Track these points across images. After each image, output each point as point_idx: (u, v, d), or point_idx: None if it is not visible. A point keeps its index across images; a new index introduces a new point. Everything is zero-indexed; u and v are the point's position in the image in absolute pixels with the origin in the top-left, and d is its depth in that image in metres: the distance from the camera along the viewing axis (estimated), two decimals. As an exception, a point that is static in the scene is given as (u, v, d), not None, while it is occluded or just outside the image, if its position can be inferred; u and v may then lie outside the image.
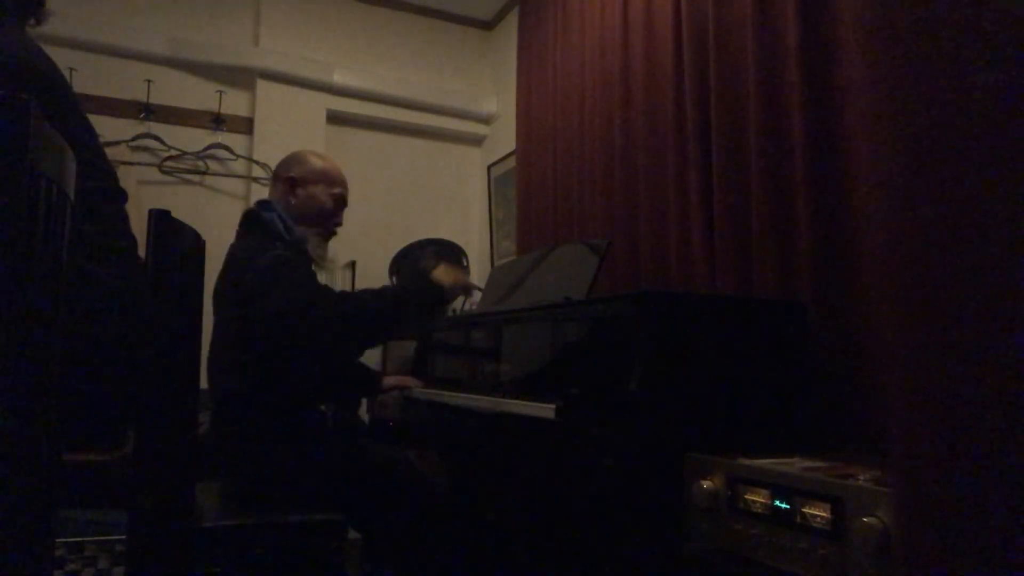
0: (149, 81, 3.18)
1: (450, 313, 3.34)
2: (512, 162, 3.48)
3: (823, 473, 1.08)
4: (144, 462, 1.08)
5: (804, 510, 1.05)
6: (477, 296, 1.81)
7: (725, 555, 1.18)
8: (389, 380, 2.13)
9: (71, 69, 2.91)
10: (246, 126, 3.43)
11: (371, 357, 2.77)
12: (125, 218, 1.38)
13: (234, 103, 3.40)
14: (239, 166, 3.41)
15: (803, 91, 1.69)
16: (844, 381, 1.54)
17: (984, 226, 0.47)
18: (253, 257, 1.77)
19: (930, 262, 0.51)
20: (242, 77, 3.42)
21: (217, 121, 3.34)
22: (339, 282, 3.52)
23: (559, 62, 3.04)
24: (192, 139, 3.29)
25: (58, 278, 0.79)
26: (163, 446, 1.12)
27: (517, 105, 3.40)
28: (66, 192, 0.81)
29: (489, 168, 3.82)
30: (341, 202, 2.02)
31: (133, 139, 3.16)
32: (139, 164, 3.17)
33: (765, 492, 1.12)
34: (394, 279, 3.36)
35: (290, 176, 1.96)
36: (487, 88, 3.97)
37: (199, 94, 3.35)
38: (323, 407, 1.97)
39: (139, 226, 1.23)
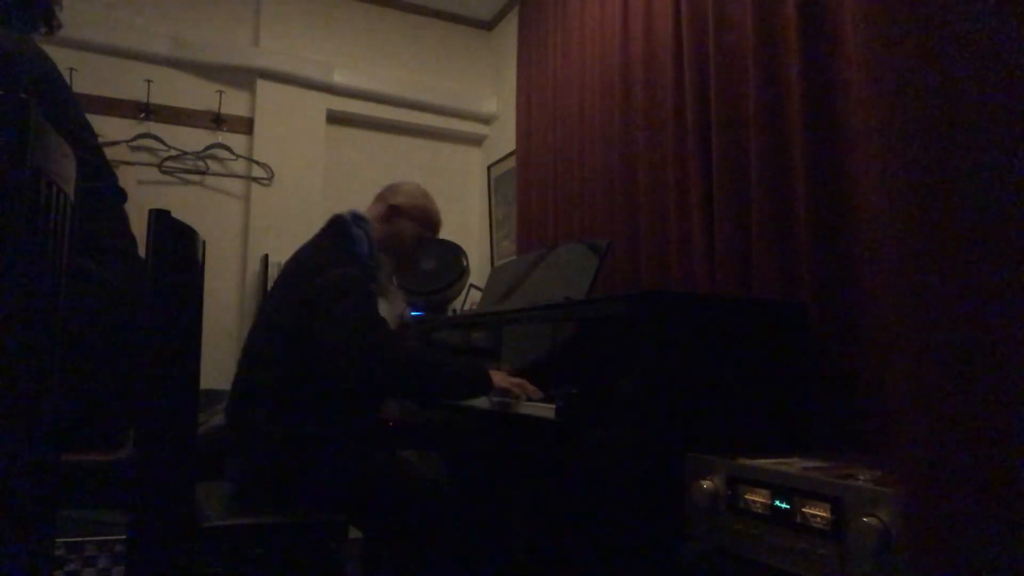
0: (149, 81, 3.18)
1: (450, 313, 3.35)
2: (512, 162, 3.48)
3: (823, 473, 1.08)
4: (144, 462, 1.08)
5: (804, 510, 1.05)
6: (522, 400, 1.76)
7: (725, 555, 1.18)
8: (500, 381, 1.76)
9: (71, 69, 2.91)
10: (246, 126, 3.43)
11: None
12: (125, 218, 1.38)
13: (234, 103, 3.40)
14: (239, 166, 3.41)
15: (803, 91, 1.69)
16: (844, 381, 1.54)
17: (985, 225, 0.47)
18: (325, 264, 1.75)
19: (931, 262, 0.51)
20: (242, 77, 3.42)
21: (217, 121, 3.34)
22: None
23: (559, 62, 3.04)
24: (192, 139, 3.29)
25: (58, 278, 0.79)
26: (163, 446, 1.12)
27: (517, 105, 3.40)
28: (66, 192, 0.81)
29: (489, 168, 3.82)
30: (423, 241, 2.01)
31: (133, 139, 3.16)
32: (139, 164, 3.17)
33: (765, 492, 1.12)
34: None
35: (394, 204, 1.96)
36: (487, 88, 3.97)
37: (199, 94, 3.35)
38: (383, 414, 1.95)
39: (139, 226, 1.23)
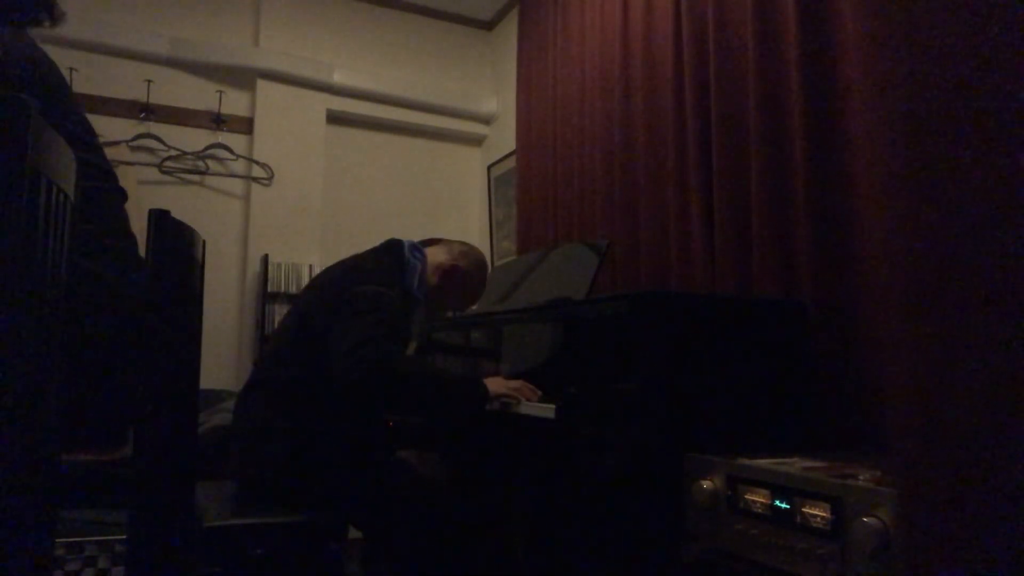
0: (149, 81, 3.18)
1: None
2: (512, 162, 3.48)
3: (823, 473, 1.08)
4: (144, 462, 1.08)
5: (804, 510, 1.05)
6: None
7: (725, 555, 1.18)
8: (498, 387, 1.73)
9: (71, 69, 2.91)
10: (246, 126, 3.43)
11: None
12: (125, 218, 1.38)
13: (234, 103, 3.40)
14: (239, 166, 3.41)
15: (803, 91, 1.69)
16: (844, 381, 1.54)
17: (986, 225, 0.47)
18: (370, 278, 1.75)
19: (931, 262, 0.51)
20: (242, 77, 3.42)
21: (217, 121, 3.34)
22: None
23: (559, 62, 3.04)
24: (192, 139, 3.30)
25: (58, 278, 0.79)
26: (163, 446, 1.12)
27: (517, 105, 3.40)
28: (66, 192, 0.81)
29: (489, 168, 3.82)
30: (450, 308, 2.04)
31: (133, 139, 3.16)
32: (139, 164, 3.17)
33: (765, 492, 1.12)
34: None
35: (458, 264, 1.95)
36: (487, 88, 3.97)
37: (199, 94, 3.35)
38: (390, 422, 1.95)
39: (139, 226, 1.23)
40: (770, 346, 1.53)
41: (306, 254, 3.39)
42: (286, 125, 3.45)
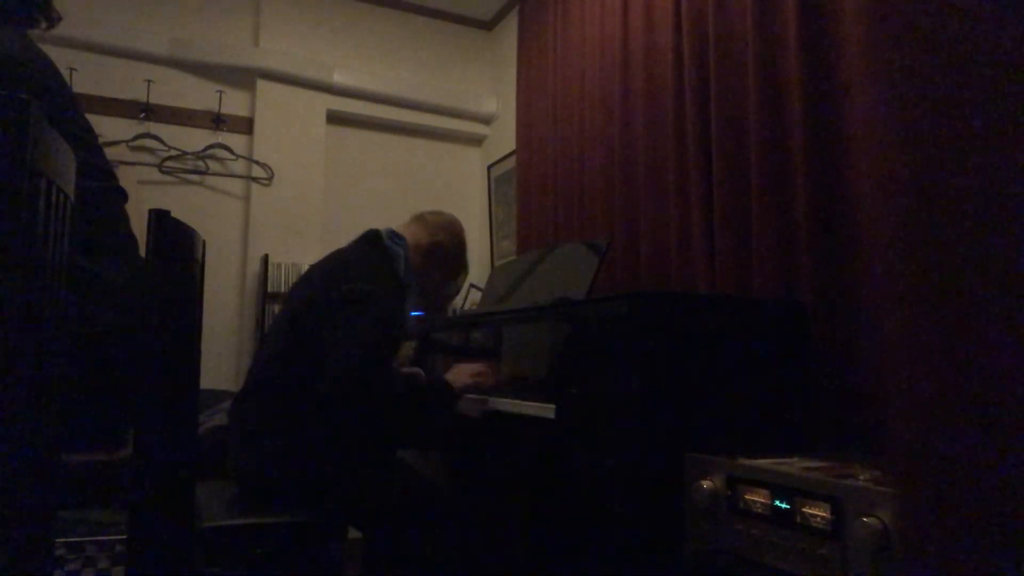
0: (149, 81, 3.18)
1: (450, 313, 3.34)
2: (512, 162, 3.48)
3: (823, 473, 1.08)
4: (144, 462, 1.08)
5: (804, 510, 1.05)
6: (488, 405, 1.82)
7: (725, 555, 1.18)
8: (462, 379, 1.84)
9: (71, 69, 2.91)
10: (246, 126, 3.43)
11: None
12: (125, 218, 1.38)
13: (234, 103, 3.40)
14: (239, 166, 3.41)
15: (803, 91, 1.69)
16: (844, 381, 1.54)
17: (987, 226, 0.47)
18: (360, 275, 1.74)
19: (932, 262, 0.51)
20: (242, 77, 3.42)
21: (217, 121, 3.34)
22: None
23: (559, 62, 3.04)
24: (192, 139, 3.30)
25: (58, 278, 0.79)
26: (163, 446, 1.12)
27: (517, 105, 3.40)
28: (66, 192, 0.81)
29: (489, 168, 3.82)
30: (444, 288, 2.05)
31: (133, 139, 3.16)
32: (139, 164, 3.17)
33: (765, 492, 1.12)
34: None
35: (440, 239, 1.96)
36: (487, 88, 3.97)
37: (199, 94, 3.35)
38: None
39: (139, 226, 1.23)
40: (770, 346, 1.53)
41: (306, 254, 3.39)
42: (286, 125, 3.45)
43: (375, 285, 1.74)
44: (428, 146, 3.93)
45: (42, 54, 1.26)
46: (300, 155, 3.47)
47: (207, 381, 1.81)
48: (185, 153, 3.26)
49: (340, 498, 1.67)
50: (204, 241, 1.45)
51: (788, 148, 1.75)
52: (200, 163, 3.31)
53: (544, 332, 1.82)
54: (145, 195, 3.15)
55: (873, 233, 1.53)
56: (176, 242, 1.18)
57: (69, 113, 1.27)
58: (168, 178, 3.27)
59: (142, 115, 3.20)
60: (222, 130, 3.35)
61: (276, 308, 3.26)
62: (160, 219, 1.12)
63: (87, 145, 1.30)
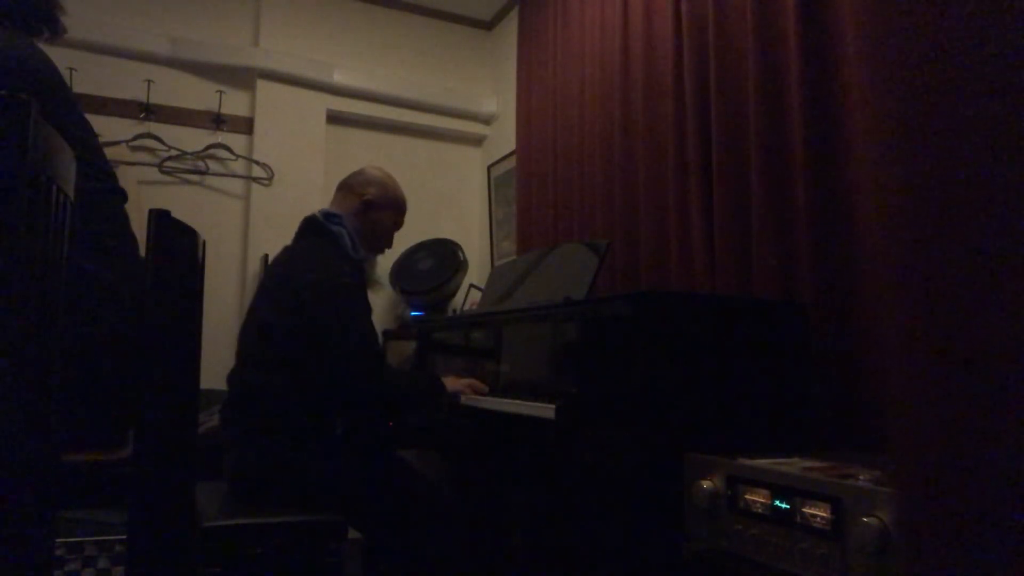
0: (149, 81, 3.18)
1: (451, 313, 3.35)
2: (512, 162, 3.48)
3: (823, 473, 1.08)
4: (144, 462, 1.08)
5: (804, 510, 1.05)
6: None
7: (725, 555, 1.18)
8: (454, 384, 1.92)
9: (71, 69, 2.91)
10: (246, 126, 3.43)
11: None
12: (125, 218, 1.38)
13: (234, 103, 3.40)
14: (239, 166, 3.41)
15: (803, 91, 1.69)
16: (844, 381, 1.54)
17: (988, 226, 0.47)
18: (314, 264, 1.79)
19: (932, 263, 0.51)
20: (242, 77, 3.42)
21: (217, 121, 3.34)
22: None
23: (559, 62, 3.04)
24: (192, 139, 3.29)
25: (58, 278, 0.79)
26: (163, 446, 1.12)
27: (517, 105, 3.40)
28: (66, 192, 0.81)
29: (489, 168, 3.82)
30: (398, 228, 2.10)
31: (133, 139, 3.15)
32: (139, 164, 3.17)
33: (765, 492, 1.12)
34: (399, 287, 3.36)
35: (366, 198, 1.99)
36: (487, 88, 3.97)
37: (199, 94, 3.35)
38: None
39: (139, 226, 1.23)
40: (770, 346, 1.53)
41: (306, 254, 3.38)
42: (286, 125, 3.45)
43: (337, 271, 1.78)
44: (428, 146, 3.93)
45: (42, 54, 1.26)
46: (300, 155, 3.47)
47: (207, 381, 1.81)
48: (185, 153, 3.26)
49: (340, 498, 1.67)
50: (204, 241, 1.45)
51: (788, 148, 1.75)
52: (200, 163, 3.31)
53: (544, 332, 1.82)
54: (145, 195, 3.14)
55: (873, 233, 1.53)
56: (176, 242, 1.18)
57: (69, 114, 1.27)
58: (168, 178, 3.27)
59: (142, 115, 3.20)
60: (222, 130, 3.35)
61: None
62: (160, 219, 1.12)
63: (87, 146, 1.30)
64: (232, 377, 1.83)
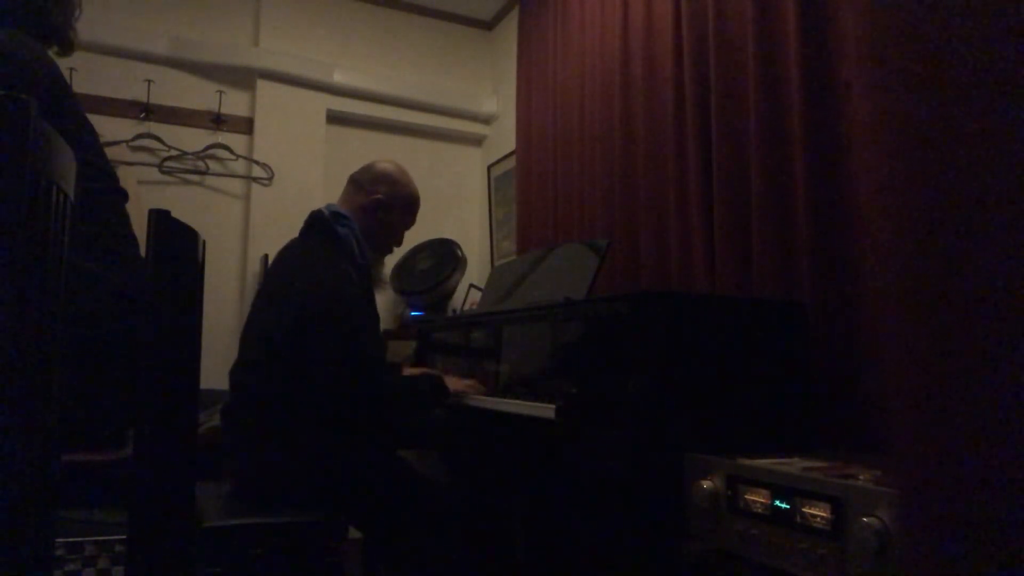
0: (149, 81, 3.18)
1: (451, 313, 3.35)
2: (512, 162, 3.48)
3: (823, 473, 1.08)
4: (144, 462, 1.08)
5: (804, 510, 1.05)
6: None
7: (725, 555, 1.18)
8: (456, 385, 1.90)
9: (71, 69, 2.91)
10: (246, 126, 3.43)
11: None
12: (126, 218, 1.38)
13: (234, 103, 3.40)
14: (239, 166, 3.41)
15: (803, 91, 1.69)
16: (844, 381, 1.54)
17: (989, 226, 0.47)
18: (317, 273, 1.73)
19: (933, 263, 0.51)
20: (242, 77, 3.42)
21: (217, 121, 3.34)
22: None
23: (559, 62, 3.04)
24: (192, 139, 3.29)
25: (58, 278, 0.79)
26: (163, 446, 1.12)
27: (517, 105, 3.40)
28: (66, 192, 0.81)
29: (489, 168, 3.82)
30: (408, 227, 2.02)
31: (133, 139, 3.16)
32: (139, 164, 3.17)
33: (765, 492, 1.12)
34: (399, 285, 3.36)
35: (376, 196, 1.90)
36: (487, 88, 3.97)
37: (199, 94, 3.35)
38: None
39: (139, 226, 1.23)
40: (770, 346, 1.53)
41: (306, 254, 3.39)
42: (286, 125, 3.45)
43: (340, 278, 1.73)
44: (428, 146, 3.93)
45: (44, 54, 1.26)
46: (300, 155, 3.47)
47: (207, 381, 1.81)
48: (185, 153, 3.26)
49: (340, 498, 1.67)
50: (204, 241, 1.45)
51: (788, 148, 1.75)
52: (200, 163, 3.31)
53: (544, 332, 1.82)
54: (145, 195, 3.14)
55: (872, 233, 1.53)
56: (176, 242, 1.18)
57: (70, 113, 1.27)
58: (168, 178, 3.27)
59: (142, 115, 3.20)
60: (222, 130, 3.35)
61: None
62: (160, 219, 1.12)
63: (88, 146, 1.30)
64: (234, 377, 1.82)
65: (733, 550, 1.17)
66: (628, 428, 1.37)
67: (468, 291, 3.00)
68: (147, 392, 1.10)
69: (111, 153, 2.85)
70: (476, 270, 3.72)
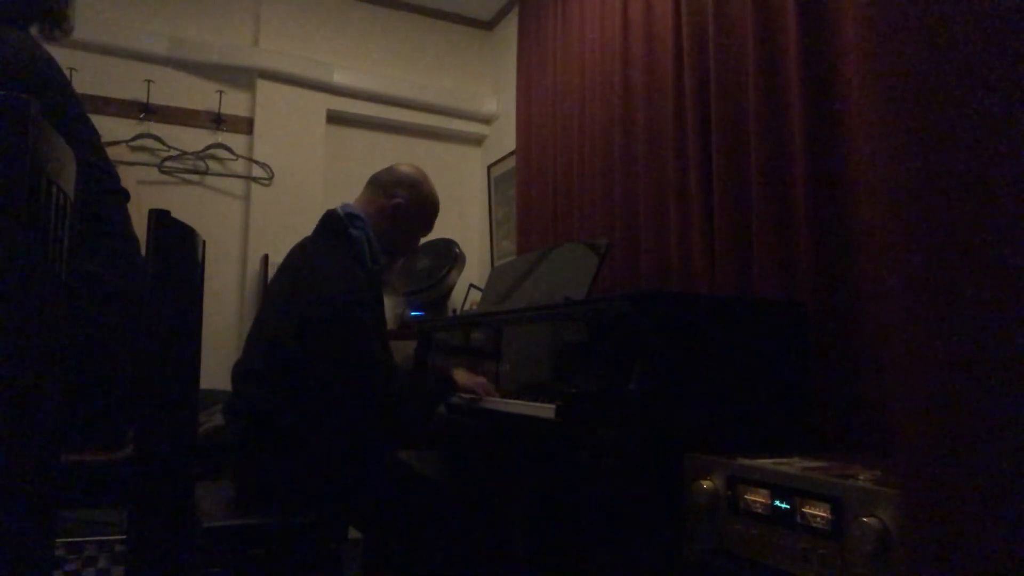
0: (149, 81, 3.18)
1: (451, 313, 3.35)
2: (512, 162, 3.48)
3: (823, 473, 1.08)
4: (144, 462, 1.08)
5: (804, 510, 1.05)
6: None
7: (725, 555, 1.18)
8: (466, 380, 1.85)
9: (71, 69, 2.91)
10: (246, 126, 3.43)
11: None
12: (127, 218, 1.38)
13: (234, 103, 3.40)
14: (239, 166, 3.41)
15: (803, 91, 1.69)
16: (844, 381, 1.54)
17: (990, 226, 0.47)
18: (326, 279, 1.70)
19: (931, 262, 0.51)
20: (242, 77, 3.42)
21: (217, 121, 3.34)
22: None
23: (559, 62, 3.04)
24: (192, 139, 3.29)
25: (58, 278, 0.79)
26: (163, 446, 1.12)
27: (517, 105, 3.40)
28: (66, 192, 0.81)
29: (489, 168, 3.82)
30: (426, 233, 1.98)
31: (133, 139, 3.16)
32: (139, 164, 3.17)
33: (765, 492, 1.12)
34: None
35: (395, 201, 1.86)
36: (487, 88, 3.97)
37: (199, 94, 3.35)
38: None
39: (139, 226, 1.23)
40: (770, 346, 1.53)
41: (306, 254, 3.38)
42: (286, 125, 3.45)
43: (348, 287, 1.70)
44: (428, 146, 3.93)
45: (45, 54, 1.26)
46: (300, 155, 3.47)
47: (207, 381, 1.81)
48: (185, 153, 3.26)
49: (340, 498, 1.67)
50: (204, 241, 1.45)
51: (788, 148, 1.75)
52: (200, 163, 3.31)
53: (544, 332, 1.82)
54: (145, 195, 3.14)
55: (873, 233, 1.53)
56: (176, 242, 1.18)
57: (71, 113, 1.27)
58: (168, 178, 3.27)
59: (142, 115, 3.20)
60: (222, 130, 3.35)
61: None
62: (160, 219, 1.12)
63: (89, 145, 1.30)
64: (236, 376, 1.81)
65: (733, 550, 1.17)
66: (628, 428, 1.37)
67: (468, 291, 3.00)
68: (147, 392, 1.10)
69: (111, 153, 2.85)
70: (476, 270, 3.72)
